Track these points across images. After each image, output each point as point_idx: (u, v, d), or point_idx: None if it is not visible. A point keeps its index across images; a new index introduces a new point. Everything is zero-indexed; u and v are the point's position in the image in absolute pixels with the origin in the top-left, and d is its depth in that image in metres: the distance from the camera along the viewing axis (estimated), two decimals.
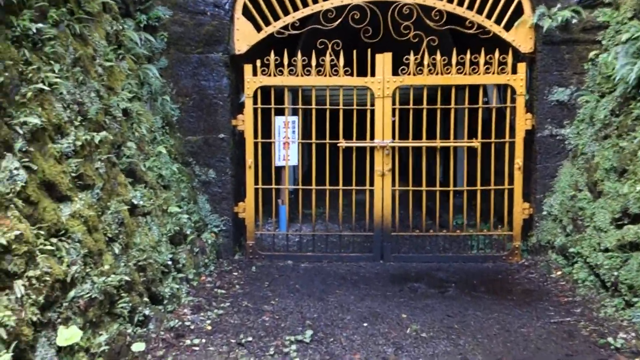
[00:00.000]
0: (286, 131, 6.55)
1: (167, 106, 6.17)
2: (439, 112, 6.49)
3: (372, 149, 6.48)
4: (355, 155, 6.54)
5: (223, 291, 5.35)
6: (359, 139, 6.49)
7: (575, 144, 6.33)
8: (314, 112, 6.47)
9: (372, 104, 6.40)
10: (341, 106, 6.44)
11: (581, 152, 6.12)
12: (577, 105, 6.32)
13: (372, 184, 6.52)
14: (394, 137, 6.44)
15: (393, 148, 6.49)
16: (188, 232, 5.55)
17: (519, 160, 6.43)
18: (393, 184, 6.50)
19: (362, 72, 6.44)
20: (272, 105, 6.49)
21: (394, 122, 6.41)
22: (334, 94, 7.80)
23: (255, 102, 6.42)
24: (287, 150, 6.89)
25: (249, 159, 6.43)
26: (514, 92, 6.42)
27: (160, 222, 4.90)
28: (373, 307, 5.04)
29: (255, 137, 6.51)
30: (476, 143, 6.43)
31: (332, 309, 4.96)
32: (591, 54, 6.12)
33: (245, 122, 6.42)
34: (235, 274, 6.01)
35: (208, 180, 6.44)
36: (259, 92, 6.43)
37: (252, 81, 6.37)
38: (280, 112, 7.70)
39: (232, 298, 5.20)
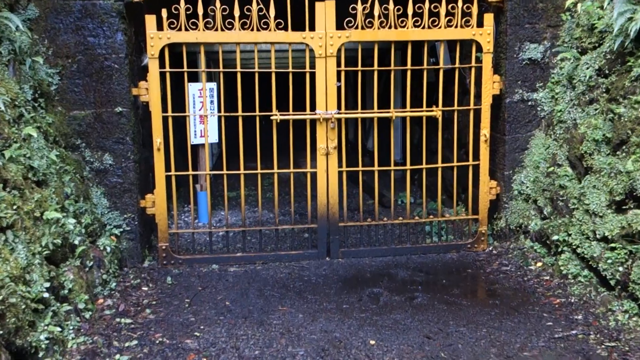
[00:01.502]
0: (203, 101, 5.16)
1: (40, 71, 4.60)
2: (393, 75, 5.32)
3: (314, 122, 5.23)
4: (292, 130, 5.28)
5: (128, 320, 3.99)
6: (297, 110, 5.23)
7: (549, 111, 5.39)
8: (239, 76, 5.11)
9: (312, 66, 5.13)
10: (273, 69, 5.12)
11: (558, 119, 5.18)
12: (552, 64, 5.36)
13: (314, 165, 5.30)
14: (339, 107, 5.22)
15: (339, 120, 5.28)
16: (77, 242, 4.11)
17: (485, 131, 5.42)
18: (340, 165, 5.31)
19: (299, 26, 5.13)
20: (185, 69, 5.06)
21: (339, 88, 5.18)
22: (263, 55, 6.46)
23: (162, 65, 4.97)
24: (205, 125, 5.50)
25: (157, 139, 5.00)
26: (479, 49, 5.35)
27: (30, 237, 3.45)
28: (330, 329, 3.89)
29: (165, 109, 5.08)
30: (437, 112, 5.34)
31: (277, 339, 3.75)
32: (568, 2, 5.12)
33: (150, 90, 4.96)
34: (145, 288, 4.64)
35: (104, 169, 4.96)
36: (166, 51, 4.97)
37: (157, 37, 4.89)
38: (195, 77, 6.25)
39: (141, 330, 3.86)
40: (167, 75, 5.02)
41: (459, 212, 6.13)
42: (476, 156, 5.51)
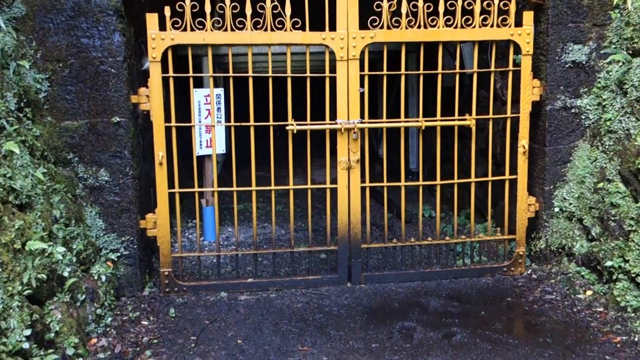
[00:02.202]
0: (210, 109, 4.62)
1: (27, 76, 4.06)
2: (421, 79, 4.78)
3: (334, 132, 4.69)
4: (310, 141, 4.74)
5: None
6: (315, 119, 4.68)
7: (595, 119, 4.84)
8: (250, 82, 4.57)
9: (333, 70, 4.58)
10: (289, 73, 4.57)
11: (607, 129, 4.63)
12: (597, 67, 4.81)
13: (334, 180, 4.75)
14: (362, 116, 4.67)
15: (362, 130, 4.73)
16: (66, 274, 3.57)
17: (523, 142, 4.87)
18: (362, 180, 4.76)
19: (317, 26, 4.59)
20: (190, 74, 4.52)
21: (362, 94, 4.64)
22: (277, 59, 5.93)
23: (165, 70, 4.44)
24: (212, 135, 4.95)
25: (159, 152, 4.46)
26: (517, 50, 4.81)
27: (8, 275, 2.91)
28: None
29: (168, 119, 4.54)
30: (471, 121, 4.79)
31: None
32: None
33: (152, 98, 4.41)
34: (146, 323, 4.09)
35: (99, 186, 4.41)
36: (170, 54, 4.43)
37: (160, 38, 4.36)
38: (200, 83, 5.72)
39: None
40: (171, 80, 4.48)
41: (492, 230, 5.58)
42: (513, 169, 4.96)
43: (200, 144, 5.78)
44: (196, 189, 4.65)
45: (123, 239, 4.49)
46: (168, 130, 4.51)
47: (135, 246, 4.52)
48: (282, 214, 7.11)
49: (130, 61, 4.49)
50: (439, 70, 4.76)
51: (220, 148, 5.91)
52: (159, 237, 4.58)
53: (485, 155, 5.69)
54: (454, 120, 4.87)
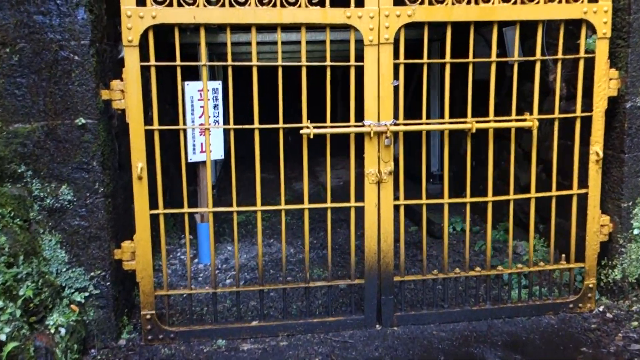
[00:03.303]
0: (204, 107, 3.61)
1: None
2: (471, 68, 3.78)
3: (360, 137, 3.69)
4: (330, 147, 3.75)
5: None
6: (337, 120, 3.70)
7: None
8: (255, 73, 3.57)
9: (360, 58, 3.58)
10: (304, 61, 3.58)
11: None
12: None
13: (359, 196, 3.77)
14: (396, 116, 3.67)
15: (395, 135, 3.74)
16: (3, 337, 2.59)
17: (597, 148, 3.88)
18: (396, 196, 3.77)
19: (340, 1, 3.60)
20: (178, 62, 3.52)
21: (396, 88, 3.65)
22: (288, 48, 4.96)
23: (145, 57, 3.44)
24: (207, 138, 3.96)
25: (138, 163, 3.46)
26: (591, 31, 3.81)
27: None
28: None
29: (148, 120, 3.55)
30: (532, 121, 3.79)
31: None
32: None
33: (127, 93, 3.41)
34: None
35: (60, 207, 3.43)
36: (151, 36, 3.43)
37: (137, 16, 3.36)
38: (192, 73, 4.72)
39: None
40: (152, 71, 3.48)
41: (541, 250, 4.61)
42: (583, 183, 3.97)
43: (194, 148, 4.79)
44: (186, 209, 3.66)
45: (92, 274, 3.51)
46: (150, 134, 3.51)
47: (109, 283, 3.54)
48: (291, 227, 6.14)
49: (100, 46, 3.50)
50: (492, 58, 3.76)
51: (218, 153, 4.92)
52: (139, 270, 3.60)
53: (528, 160, 4.77)
54: (510, 120, 3.87)
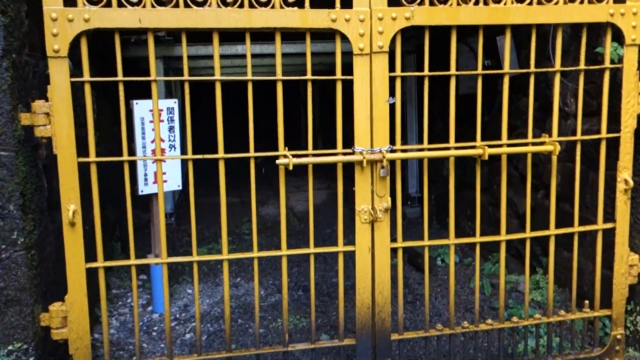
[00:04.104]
0: (156, 129, 2.88)
1: None
2: (479, 81, 3.15)
3: (349, 167, 3.01)
4: (312, 180, 3.07)
5: None
6: (320, 146, 3.00)
7: None
8: (218, 89, 2.85)
9: (348, 71, 2.92)
10: (279, 75, 2.89)
11: None
12: None
13: (350, 239, 3.09)
14: (392, 141, 3.01)
15: (392, 163, 3.07)
16: None
17: (625, 175, 3.29)
18: (392, 237, 3.10)
19: (323, 1, 2.94)
20: (120, 77, 2.78)
21: (392, 106, 2.99)
22: (259, 54, 4.31)
23: (77, 71, 2.70)
24: (159, 168, 3.23)
25: (70, 204, 2.70)
26: (618, 38, 3.24)
27: None
28: None
29: (82, 150, 2.80)
30: (552, 145, 3.16)
31: None
32: None
33: (55, 117, 2.66)
34: None
35: None
36: (84, 45, 2.69)
37: (65, 19, 2.62)
38: (142, 91, 3.98)
39: None
40: (87, 88, 2.74)
41: (546, 288, 4.01)
42: (609, 216, 3.38)
43: (146, 179, 4.04)
44: (133, 261, 2.91)
45: (10, 347, 2.73)
46: (83, 171, 2.76)
47: (32, 358, 2.76)
48: (260, 263, 5.42)
49: (19, 57, 2.75)
50: (505, 69, 3.15)
51: (175, 183, 4.18)
52: (72, 340, 2.82)
53: (523, 182, 4.26)
54: (526, 144, 3.25)
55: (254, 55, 5.12)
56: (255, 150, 2.89)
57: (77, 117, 2.71)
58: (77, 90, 2.85)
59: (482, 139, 3.17)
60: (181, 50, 2.91)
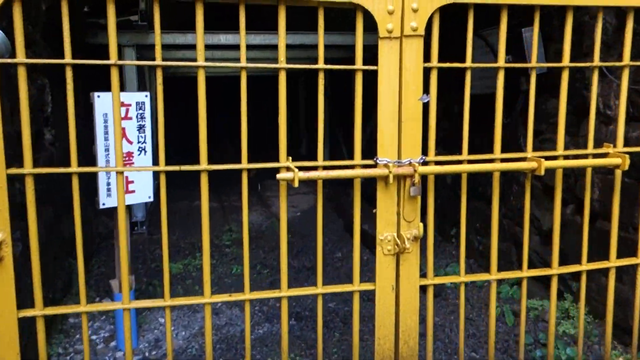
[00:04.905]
0: (116, 129, 2.17)
1: None
2: (501, 76, 2.50)
3: (370, 183, 2.34)
4: (321, 199, 2.39)
5: None
6: (334, 157, 2.33)
7: None
8: (201, 77, 2.15)
9: (372, 59, 2.24)
10: (283, 62, 2.19)
11: None
12: None
13: (368, 275, 2.41)
14: (425, 152, 2.34)
15: (424, 178, 2.40)
16: None
17: None
18: (422, 272, 2.44)
19: None
20: (68, 60, 2.06)
21: (427, 104, 2.32)
22: (253, 55, 3.64)
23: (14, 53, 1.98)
24: (119, 182, 2.52)
25: None
26: None
27: None
28: None
29: (14, 159, 2.07)
30: (621, 158, 2.52)
31: None
32: None
33: None
34: None
35: None
36: (17, 10, 1.97)
37: None
38: (102, 82, 3.26)
39: None
40: (22, 72, 2.02)
41: (577, 318, 3.41)
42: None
43: (108, 188, 3.31)
44: (83, 307, 2.19)
45: None
46: (14, 185, 2.04)
47: None
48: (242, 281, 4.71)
49: None
50: (565, 63, 2.50)
51: (145, 194, 3.45)
52: None
53: (547, 194, 3.70)
54: (587, 157, 2.61)
55: (260, 47, 4.45)
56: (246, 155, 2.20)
57: (15, 113, 2.00)
58: (12, 78, 2.13)
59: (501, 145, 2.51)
60: (154, 38, 2.19)
